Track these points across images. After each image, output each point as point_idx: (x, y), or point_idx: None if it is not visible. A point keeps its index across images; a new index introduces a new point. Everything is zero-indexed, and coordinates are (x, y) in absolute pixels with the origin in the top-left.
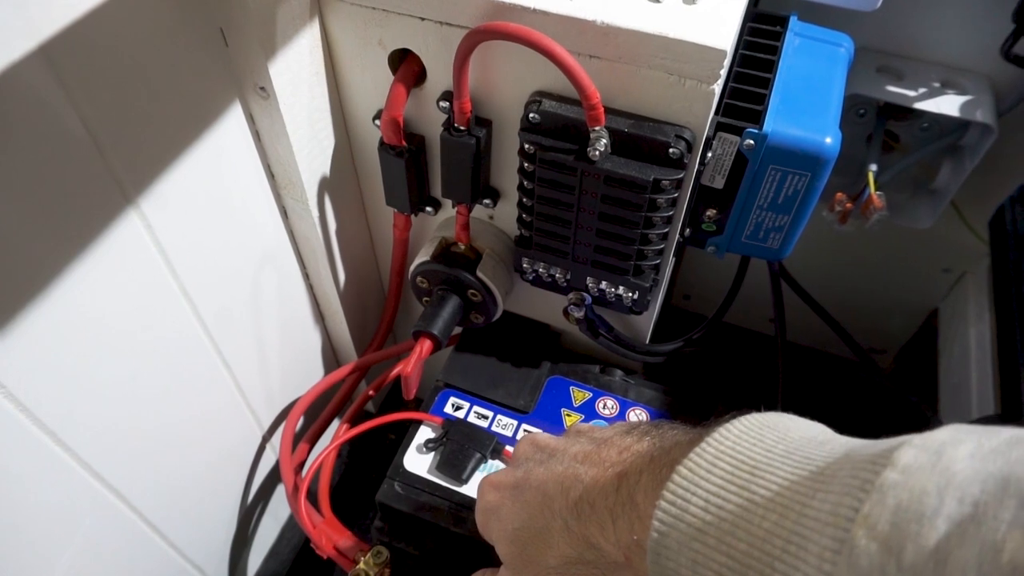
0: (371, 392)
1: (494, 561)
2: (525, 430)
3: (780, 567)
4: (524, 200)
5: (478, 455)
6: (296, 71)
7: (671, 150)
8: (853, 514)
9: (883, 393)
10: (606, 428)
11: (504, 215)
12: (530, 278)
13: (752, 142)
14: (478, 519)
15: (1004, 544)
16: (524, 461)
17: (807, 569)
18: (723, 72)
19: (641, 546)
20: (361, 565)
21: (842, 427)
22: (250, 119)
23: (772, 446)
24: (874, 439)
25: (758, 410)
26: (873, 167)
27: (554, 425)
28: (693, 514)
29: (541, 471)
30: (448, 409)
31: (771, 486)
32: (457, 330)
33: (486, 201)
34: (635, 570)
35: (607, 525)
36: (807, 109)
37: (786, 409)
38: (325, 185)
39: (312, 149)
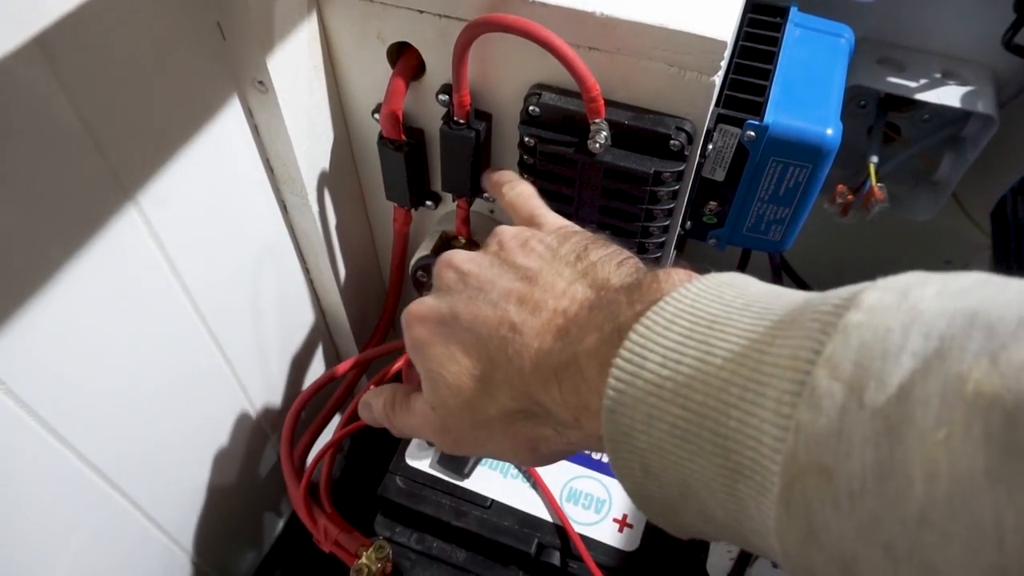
0: (372, 387)
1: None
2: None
3: (736, 414)
4: None
5: None
6: (294, 65)
7: (672, 142)
8: (814, 356)
9: None
10: (530, 252)
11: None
12: None
13: (753, 134)
14: (409, 352)
15: (969, 374)
16: (447, 291)
17: (764, 414)
18: (724, 63)
19: (589, 408)
20: (363, 560)
21: None
22: (248, 113)
23: (731, 301)
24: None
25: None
26: (874, 159)
27: None
28: (650, 370)
29: (470, 309)
30: None
31: (729, 338)
32: None
33: (486, 194)
34: (584, 431)
35: (551, 386)
36: (808, 100)
37: None
38: (325, 179)
39: (311, 143)
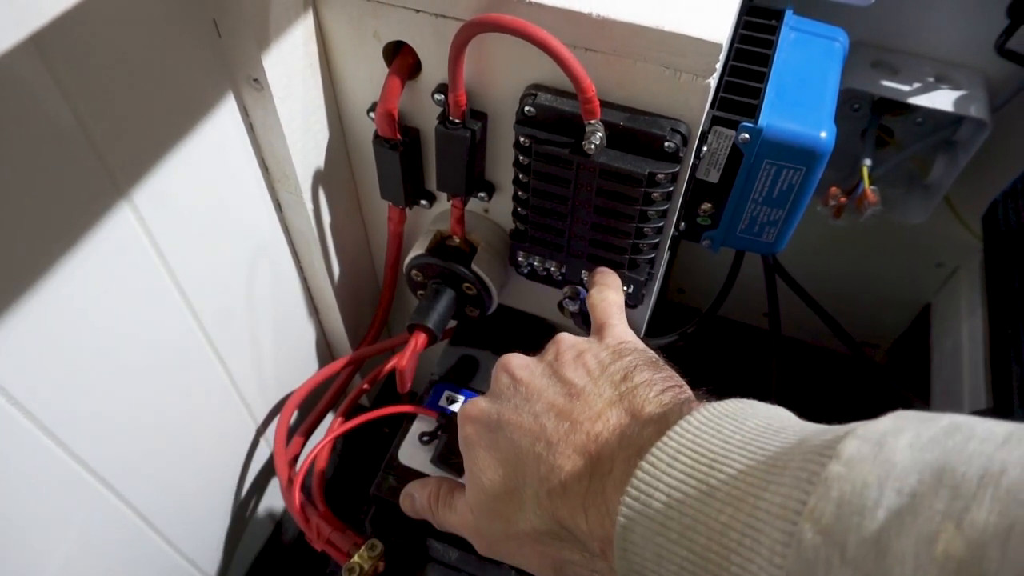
0: (366, 386)
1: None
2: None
3: (736, 559)
4: (519, 193)
5: None
6: (290, 63)
7: (666, 144)
8: (801, 507)
9: (876, 387)
10: (580, 366)
11: (499, 208)
12: (525, 271)
13: (747, 136)
14: (460, 447)
15: (938, 536)
16: (499, 396)
17: (760, 562)
18: (719, 66)
19: (612, 541)
20: (356, 558)
21: (836, 421)
22: (244, 111)
23: (729, 436)
24: (829, 424)
25: (731, 395)
26: (867, 162)
27: None
28: (656, 508)
29: (514, 419)
30: (443, 403)
31: (727, 479)
32: (452, 323)
33: (481, 194)
34: (609, 562)
35: (578, 514)
36: (802, 103)
37: (781, 403)
38: (319, 178)
39: (306, 142)
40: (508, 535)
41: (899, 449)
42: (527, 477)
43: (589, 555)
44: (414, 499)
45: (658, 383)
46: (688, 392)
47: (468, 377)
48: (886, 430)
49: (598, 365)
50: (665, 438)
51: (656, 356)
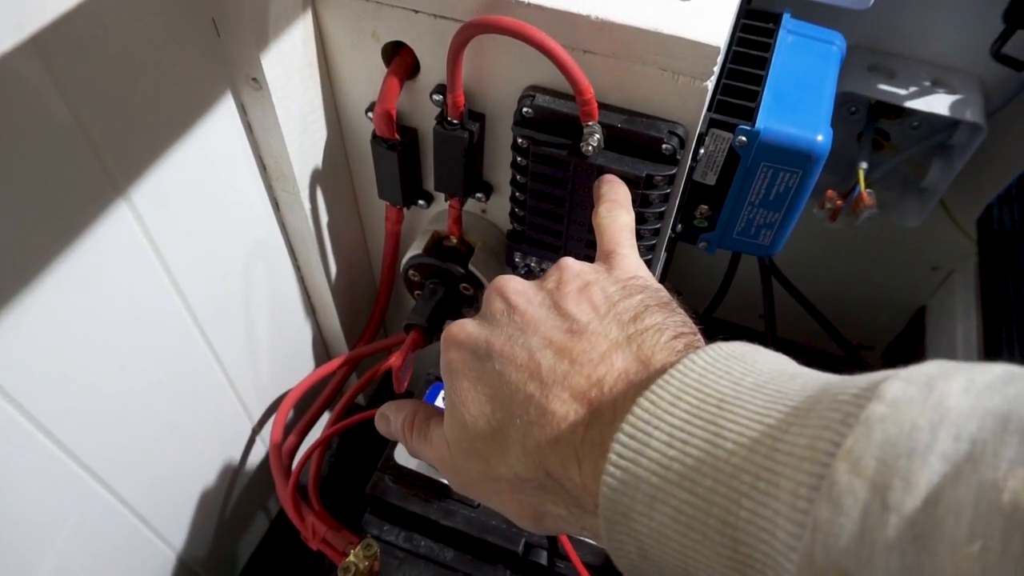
0: (362, 385)
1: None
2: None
3: (747, 504)
4: (517, 194)
5: None
6: (288, 63)
7: (664, 146)
8: (834, 448)
9: None
10: (585, 300)
11: (497, 209)
12: (522, 272)
13: (744, 139)
14: (442, 372)
15: (1005, 483)
16: (491, 321)
17: (778, 506)
18: (716, 69)
19: None
20: (351, 558)
21: None
22: (242, 110)
23: (740, 378)
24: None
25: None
26: (864, 165)
27: None
28: (655, 448)
29: (506, 349)
30: (439, 402)
31: (740, 420)
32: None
33: (479, 195)
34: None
35: (571, 464)
36: (799, 106)
37: None
38: (317, 177)
39: (304, 141)
40: (487, 477)
41: (952, 393)
42: (514, 418)
43: (580, 510)
44: (388, 420)
45: (670, 328)
46: (702, 341)
47: None
48: (933, 373)
49: (605, 300)
50: (667, 376)
51: (669, 296)
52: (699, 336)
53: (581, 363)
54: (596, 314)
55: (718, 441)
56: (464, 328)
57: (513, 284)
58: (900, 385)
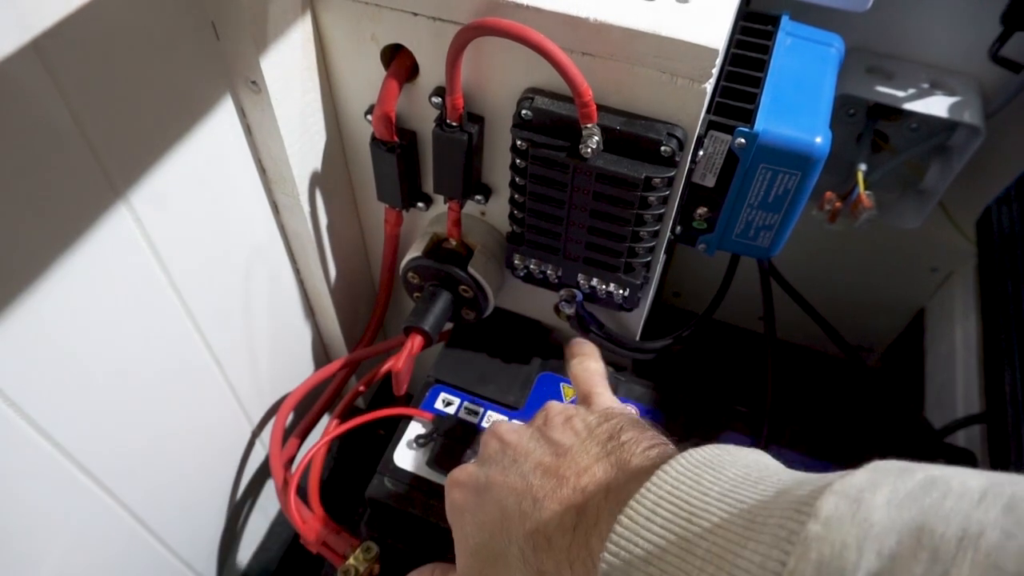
0: (361, 388)
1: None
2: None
3: None
4: (516, 196)
5: (468, 451)
6: (288, 65)
7: (663, 148)
8: (780, 568)
9: (870, 391)
10: (568, 429)
11: (496, 211)
12: (521, 274)
13: (743, 141)
14: (447, 514)
15: None
16: (488, 460)
17: None
18: (715, 71)
19: None
20: (351, 560)
21: (830, 424)
22: (241, 113)
23: (708, 488)
24: (806, 473)
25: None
26: (862, 167)
27: None
28: (636, 565)
29: (501, 480)
30: (439, 405)
31: (706, 535)
32: (448, 326)
33: (478, 197)
34: None
35: (564, 567)
36: (798, 108)
37: (775, 407)
38: (316, 180)
39: (303, 144)
40: None
41: (877, 507)
42: (512, 536)
43: None
44: None
45: (644, 441)
46: (674, 449)
47: (464, 379)
48: (863, 485)
49: (585, 427)
50: (643, 490)
51: (641, 419)
52: (671, 445)
53: (567, 477)
54: (578, 438)
55: (688, 557)
56: (465, 470)
57: (505, 426)
58: (833, 501)
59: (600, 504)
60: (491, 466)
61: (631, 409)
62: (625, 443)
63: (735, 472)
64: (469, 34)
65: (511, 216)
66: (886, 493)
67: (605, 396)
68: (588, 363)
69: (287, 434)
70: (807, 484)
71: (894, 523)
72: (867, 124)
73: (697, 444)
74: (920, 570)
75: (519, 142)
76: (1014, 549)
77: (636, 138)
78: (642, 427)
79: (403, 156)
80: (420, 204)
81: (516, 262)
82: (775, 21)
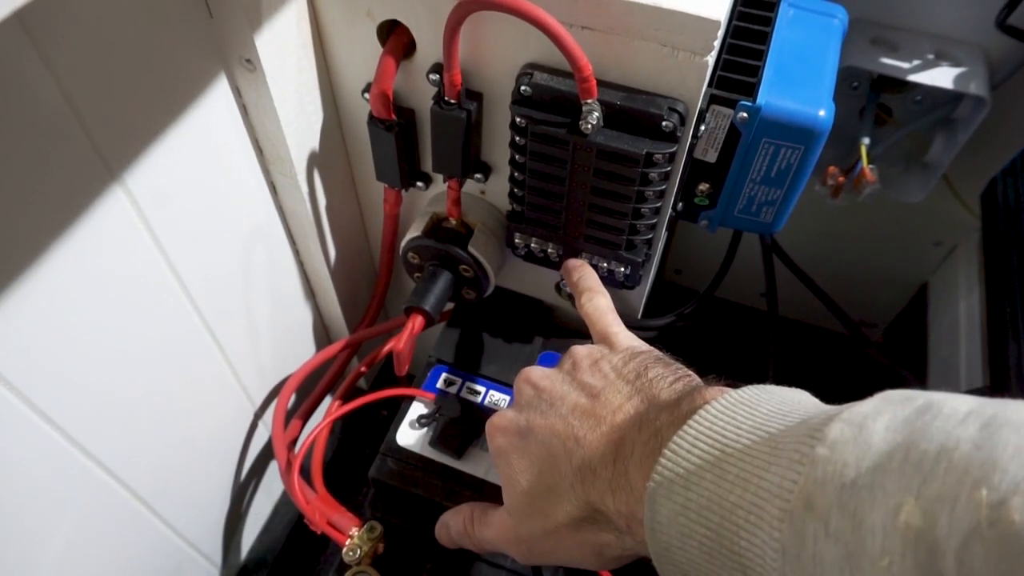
0: (363, 368)
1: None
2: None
3: (744, 535)
4: (516, 174)
5: (471, 430)
6: (283, 43)
7: (664, 123)
8: (793, 486)
9: (873, 366)
10: (597, 371)
11: (496, 189)
12: (522, 253)
13: (745, 115)
14: (492, 457)
15: (900, 508)
16: (525, 406)
17: (763, 536)
18: (717, 44)
19: (636, 517)
20: (355, 540)
21: (833, 401)
22: (236, 92)
23: (742, 422)
24: (830, 405)
25: (748, 382)
26: (866, 140)
27: None
28: (677, 492)
29: (543, 423)
30: (440, 385)
31: (736, 461)
32: (449, 306)
33: (477, 175)
34: (635, 538)
35: (607, 495)
36: (801, 81)
37: (779, 383)
38: (314, 160)
39: (300, 123)
40: (547, 531)
41: (876, 431)
42: (561, 471)
43: (619, 533)
44: (449, 527)
45: (669, 375)
46: (697, 379)
47: (466, 359)
48: (868, 412)
49: (612, 368)
50: (686, 427)
51: (663, 354)
52: (695, 376)
53: (603, 416)
54: (607, 380)
55: (721, 482)
56: (504, 416)
57: (537, 372)
58: (839, 427)
59: (635, 437)
60: (529, 411)
61: (647, 346)
62: (653, 379)
63: (769, 408)
64: (466, 8)
65: (511, 194)
66: (886, 419)
67: (622, 334)
68: (597, 300)
69: (289, 416)
70: (824, 414)
71: (888, 444)
72: (870, 97)
73: (721, 377)
74: (904, 481)
75: (518, 119)
76: (980, 457)
77: (637, 113)
78: (665, 363)
79: (401, 135)
80: (419, 183)
81: (517, 241)
82: None
